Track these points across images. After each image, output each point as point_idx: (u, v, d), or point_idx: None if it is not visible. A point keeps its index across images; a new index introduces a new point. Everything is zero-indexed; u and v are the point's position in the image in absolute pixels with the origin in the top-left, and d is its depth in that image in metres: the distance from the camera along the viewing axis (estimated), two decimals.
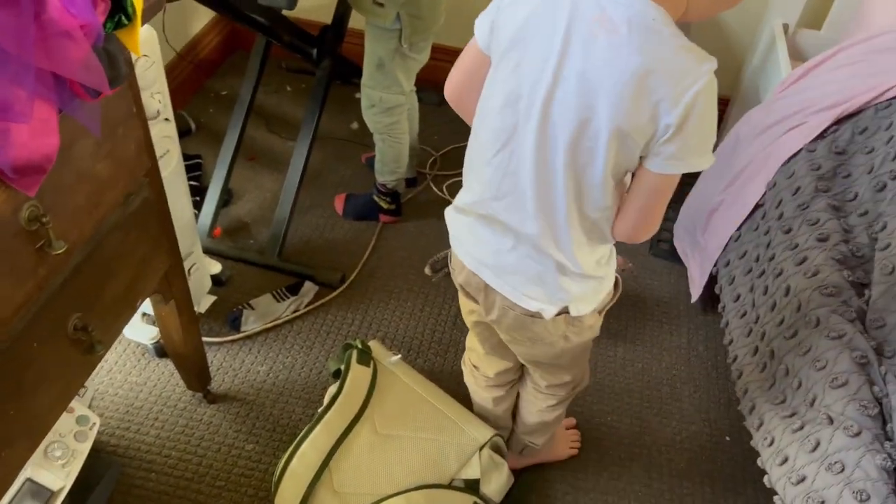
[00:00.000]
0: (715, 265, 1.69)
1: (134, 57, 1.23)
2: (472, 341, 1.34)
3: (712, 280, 1.70)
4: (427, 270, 1.29)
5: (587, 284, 1.05)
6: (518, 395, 1.41)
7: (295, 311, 1.76)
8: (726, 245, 1.64)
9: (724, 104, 2.36)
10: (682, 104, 0.84)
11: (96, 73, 0.83)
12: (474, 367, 1.37)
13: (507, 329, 1.13)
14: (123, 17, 0.86)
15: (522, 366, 1.32)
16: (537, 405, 1.34)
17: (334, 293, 1.81)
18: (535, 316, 1.05)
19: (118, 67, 0.90)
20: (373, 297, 1.82)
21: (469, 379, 1.41)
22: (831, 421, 1.09)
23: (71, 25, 0.79)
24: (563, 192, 0.93)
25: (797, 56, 2.02)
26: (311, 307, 1.77)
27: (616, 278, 1.13)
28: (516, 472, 1.47)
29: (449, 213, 1.11)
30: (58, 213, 0.90)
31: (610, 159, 0.89)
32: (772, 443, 1.19)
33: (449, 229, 1.11)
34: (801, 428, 1.14)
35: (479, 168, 1.00)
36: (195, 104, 2.36)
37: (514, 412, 1.44)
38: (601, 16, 0.84)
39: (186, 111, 2.29)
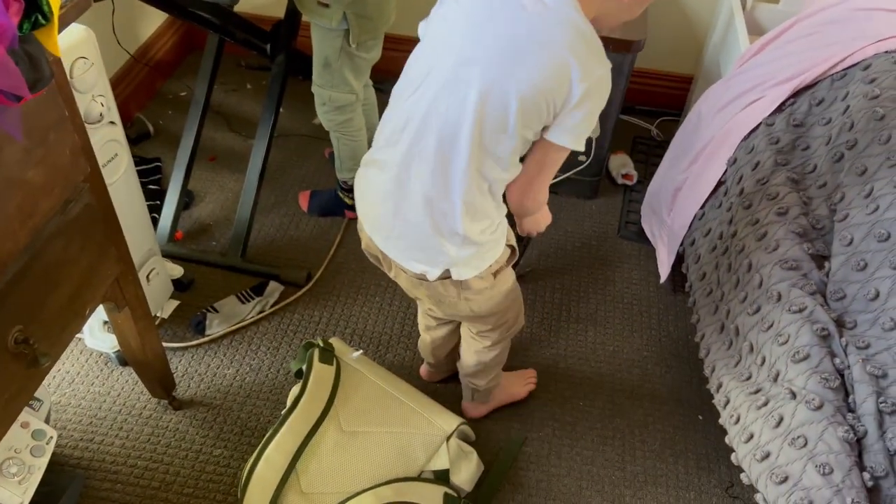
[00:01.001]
0: (681, 244, 1.68)
1: (70, 59, 1.21)
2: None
3: (680, 259, 1.69)
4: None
5: (468, 250, 1.10)
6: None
7: (260, 312, 1.73)
8: (691, 223, 1.64)
9: (687, 81, 2.35)
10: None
11: (14, 77, 0.80)
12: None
13: (408, 289, 1.23)
14: (40, 17, 0.83)
15: None
16: (473, 347, 1.39)
17: (300, 292, 1.79)
18: (421, 278, 1.13)
19: (41, 70, 0.87)
20: (340, 294, 1.80)
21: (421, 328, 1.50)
22: (794, 395, 1.09)
23: None
24: (466, 148, 1.00)
25: (756, 30, 2.01)
26: (276, 307, 1.75)
27: (511, 247, 1.19)
28: (481, 421, 1.53)
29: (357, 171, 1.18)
30: None
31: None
32: (738, 420, 1.19)
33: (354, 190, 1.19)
34: (766, 404, 1.13)
35: (391, 112, 1.09)
36: (153, 107, 2.31)
37: (460, 352, 1.47)
38: None
39: (144, 114, 2.25)
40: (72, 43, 1.20)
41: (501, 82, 0.97)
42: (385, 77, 2.17)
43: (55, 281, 1.03)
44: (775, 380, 1.14)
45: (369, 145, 1.93)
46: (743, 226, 1.40)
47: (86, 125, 1.09)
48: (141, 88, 2.27)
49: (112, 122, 1.35)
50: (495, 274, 1.17)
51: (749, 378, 1.23)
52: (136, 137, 2.15)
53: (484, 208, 1.08)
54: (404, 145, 1.05)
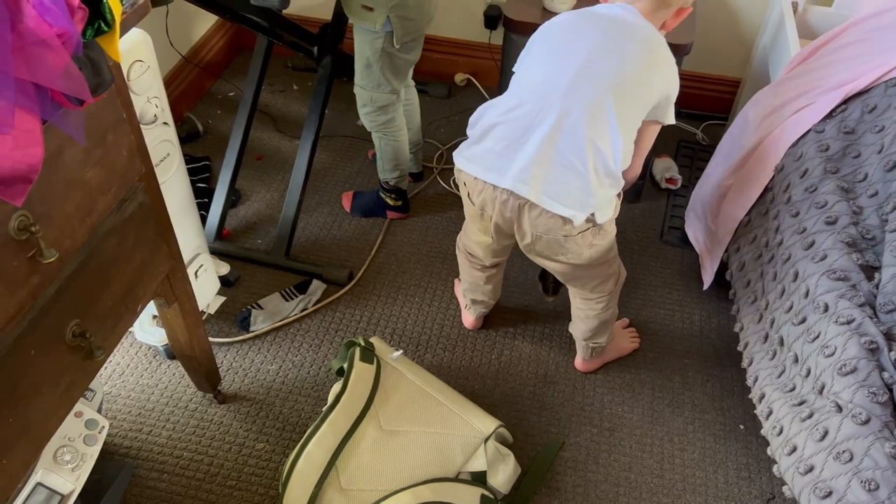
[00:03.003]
0: (726, 251, 1.66)
1: (128, 62, 1.25)
2: (481, 243, 1.46)
3: (724, 266, 1.67)
4: (549, 299, 1.74)
5: (613, 190, 1.26)
6: (566, 307, 1.59)
7: (303, 310, 1.77)
8: (736, 230, 1.61)
9: (734, 85, 2.32)
10: None
11: (77, 82, 0.83)
12: (470, 254, 1.55)
13: (538, 252, 1.35)
14: (103, 24, 0.87)
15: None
16: (591, 310, 1.52)
17: (342, 291, 1.82)
18: (567, 222, 1.24)
19: (102, 74, 0.91)
20: (380, 294, 1.82)
21: (462, 260, 1.60)
22: (840, 409, 1.07)
23: (48, 34, 0.79)
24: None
25: (808, 34, 1.97)
26: (319, 305, 1.78)
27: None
28: (519, 424, 1.56)
29: (465, 151, 1.30)
30: (48, 221, 0.91)
31: None
32: (781, 432, 1.17)
33: (468, 168, 1.29)
34: (810, 416, 1.12)
35: (528, 77, 1.28)
36: (203, 107, 2.37)
37: (572, 320, 1.61)
38: None
39: (194, 114, 2.31)
40: (129, 46, 1.24)
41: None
42: (426, 78, 2.19)
43: (110, 277, 1.07)
44: (821, 392, 1.13)
45: (412, 146, 1.99)
46: (790, 234, 1.38)
47: (141, 126, 1.13)
48: (191, 88, 2.32)
49: (165, 123, 1.39)
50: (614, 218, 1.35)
51: (793, 389, 1.21)
52: (186, 136, 2.21)
53: (630, 150, 1.28)
54: (558, 100, 1.21)
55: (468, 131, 1.32)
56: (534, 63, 1.30)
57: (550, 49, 1.29)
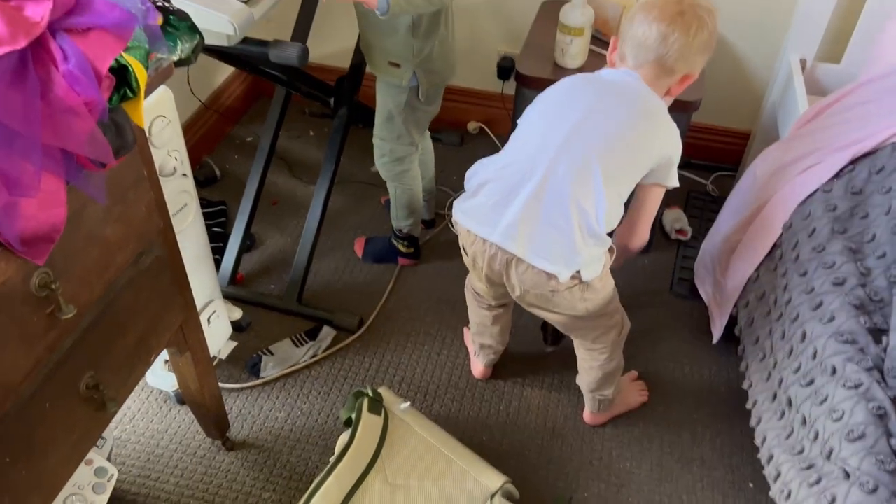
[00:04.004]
0: (735, 305, 1.66)
1: (150, 117, 1.29)
2: (480, 287, 1.49)
3: (733, 321, 1.67)
4: (549, 349, 1.79)
5: (599, 249, 1.28)
6: (575, 357, 1.59)
7: (313, 356, 1.78)
8: (745, 285, 1.62)
9: (744, 137, 2.34)
10: None
11: (102, 147, 0.86)
12: (477, 293, 1.56)
13: (530, 304, 1.38)
14: (129, 91, 0.90)
15: None
16: (595, 361, 1.52)
17: (352, 337, 1.83)
18: (552, 278, 1.26)
19: (125, 136, 0.94)
20: (390, 341, 1.83)
21: (471, 300, 1.62)
22: (847, 476, 1.06)
23: (76, 102, 0.82)
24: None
25: (817, 90, 2.00)
26: (329, 352, 1.79)
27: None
28: (527, 479, 1.54)
29: (461, 204, 1.34)
30: (67, 277, 0.93)
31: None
32: (789, 496, 1.16)
33: (463, 221, 1.33)
34: (818, 482, 1.11)
35: (522, 136, 1.33)
36: (221, 151, 2.42)
37: (578, 371, 1.61)
38: None
39: (212, 158, 2.36)
40: (152, 102, 1.28)
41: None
42: (439, 126, 2.22)
43: (125, 329, 1.09)
44: (829, 457, 1.12)
45: (425, 194, 2.01)
46: (797, 293, 1.39)
47: (160, 177, 1.16)
48: (210, 133, 2.38)
49: (184, 175, 1.42)
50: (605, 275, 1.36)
51: (801, 452, 1.20)
52: (203, 181, 2.25)
53: (617, 213, 1.30)
54: (546, 160, 1.25)
55: (465, 185, 1.36)
56: (530, 122, 1.34)
57: (547, 109, 1.33)
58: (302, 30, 1.90)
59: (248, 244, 2.05)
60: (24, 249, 0.83)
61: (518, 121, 1.37)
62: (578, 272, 1.27)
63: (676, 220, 2.14)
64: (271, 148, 2.00)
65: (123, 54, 0.89)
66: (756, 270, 1.59)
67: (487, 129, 2.52)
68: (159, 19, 1.00)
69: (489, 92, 2.45)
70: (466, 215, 1.32)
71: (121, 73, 0.89)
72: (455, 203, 1.36)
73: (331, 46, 2.43)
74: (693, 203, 2.26)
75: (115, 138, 0.92)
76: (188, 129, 2.25)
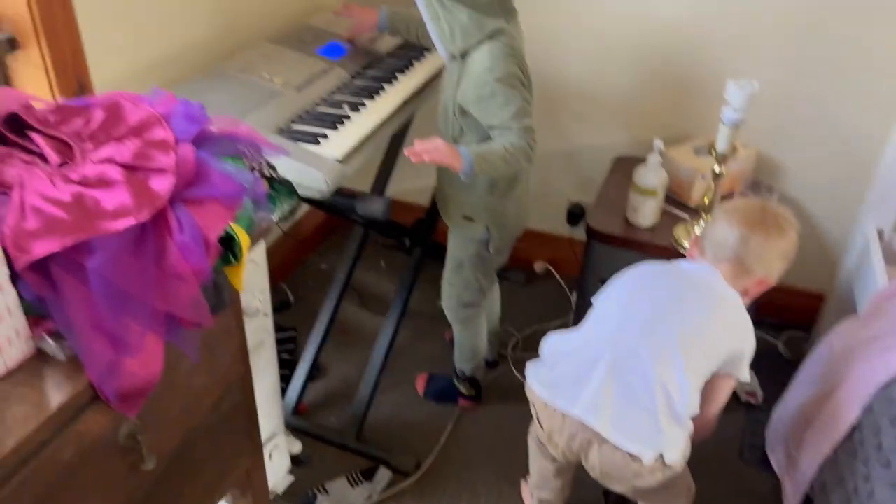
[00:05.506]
0: (810, 485, 1.58)
1: None
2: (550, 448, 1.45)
3: (808, 500, 1.59)
4: None
5: (681, 433, 1.27)
6: None
7: (368, 498, 1.76)
8: (821, 465, 1.54)
9: (817, 299, 2.29)
10: None
11: (202, 310, 0.92)
12: (542, 443, 1.49)
13: (605, 476, 1.35)
14: (232, 258, 0.97)
15: None
16: None
17: (408, 481, 1.81)
18: (635, 460, 1.25)
19: (223, 297, 1.00)
20: (445, 489, 1.80)
21: (534, 449, 1.58)
22: None
23: (185, 270, 0.89)
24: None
25: (895, 261, 1.97)
26: (384, 495, 1.77)
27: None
28: None
29: (538, 374, 1.35)
30: (152, 427, 0.97)
31: None
32: None
33: (540, 392, 1.32)
34: None
35: (605, 312, 1.36)
36: (295, 278, 2.51)
37: None
38: None
39: (287, 284, 2.45)
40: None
41: None
42: (509, 265, 2.26)
43: (195, 475, 1.11)
44: None
45: (489, 335, 2.03)
46: (881, 486, 1.31)
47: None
48: (288, 260, 2.48)
49: (265, 315, 1.48)
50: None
51: None
52: (277, 306, 2.32)
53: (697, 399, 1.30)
54: (629, 341, 1.28)
55: (541, 354, 1.37)
56: (611, 300, 1.37)
57: (630, 291, 1.36)
58: (382, 181, 2.02)
59: (313, 373, 2.09)
60: (121, 405, 0.87)
61: (595, 299, 1.40)
62: (661, 455, 1.25)
63: (747, 382, 2.08)
64: (346, 282, 2.07)
65: (231, 224, 0.96)
66: (833, 451, 1.52)
67: (554, 271, 2.55)
68: (265, 185, 1.09)
69: (558, 235, 2.50)
70: (545, 386, 1.33)
71: (227, 241, 0.96)
72: (530, 371, 1.37)
73: (408, 183, 2.55)
74: (764, 364, 2.20)
75: (213, 298, 0.98)
76: (268, 256, 2.36)
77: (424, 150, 1.37)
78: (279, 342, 2.18)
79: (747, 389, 2.06)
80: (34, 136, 0.95)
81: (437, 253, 2.27)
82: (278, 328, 2.22)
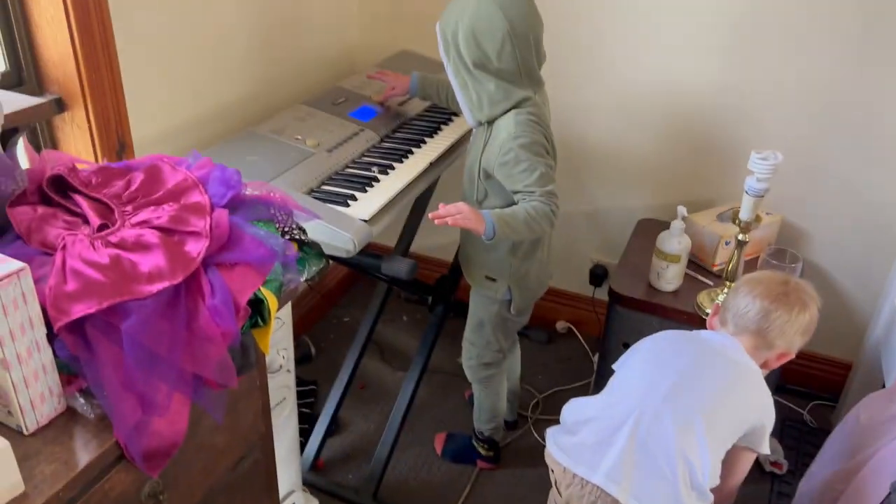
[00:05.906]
0: None
1: None
2: None
3: None
4: None
5: (703, 501, 1.25)
6: None
7: None
8: None
9: (844, 368, 2.26)
10: None
11: (229, 372, 0.94)
12: None
13: None
14: (260, 320, 0.99)
15: None
16: None
17: None
18: None
19: (249, 357, 1.02)
20: None
21: None
22: None
23: (214, 333, 0.91)
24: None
25: None
26: None
27: None
28: None
29: (558, 440, 1.33)
30: (174, 485, 0.98)
31: None
32: None
33: (560, 458, 1.31)
34: None
35: (626, 380, 1.36)
36: (318, 330, 2.53)
37: None
38: None
39: (309, 336, 2.47)
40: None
41: None
42: (530, 324, 2.26)
43: None
44: None
45: (509, 394, 2.02)
46: None
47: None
48: (311, 313, 2.51)
49: (288, 371, 1.50)
50: None
51: None
52: (299, 359, 2.34)
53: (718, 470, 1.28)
54: (651, 408, 1.26)
55: (561, 419, 1.37)
56: (634, 367, 1.37)
57: (652, 359, 1.36)
58: (406, 240, 2.05)
59: (332, 428, 2.09)
60: (145, 464, 0.89)
61: (616, 366, 1.40)
62: None
63: (772, 451, 2.04)
64: (368, 336, 2.08)
65: (261, 288, 0.99)
66: None
67: (575, 330, 2.54)
68: (295, 249, 1.11)
69: (580, 295, 2.50)
70: (565, 452, 1.32)
71: (255, 304, 0.99)
72: (550, 436, 1.37)
73: (433, 240, 2.58)
74: (789, 433, 2.16)
75: (239, 359, 1.00)
76: (291, 308, 2.39)
77: (448, 213, 1.39)
78: (299, 395, 2.19)
79: (772, 459, 2.02)
80: (77, 197, 0.99)
81: (459, 309, 2.28)
82: (299, 382, 2.23)
